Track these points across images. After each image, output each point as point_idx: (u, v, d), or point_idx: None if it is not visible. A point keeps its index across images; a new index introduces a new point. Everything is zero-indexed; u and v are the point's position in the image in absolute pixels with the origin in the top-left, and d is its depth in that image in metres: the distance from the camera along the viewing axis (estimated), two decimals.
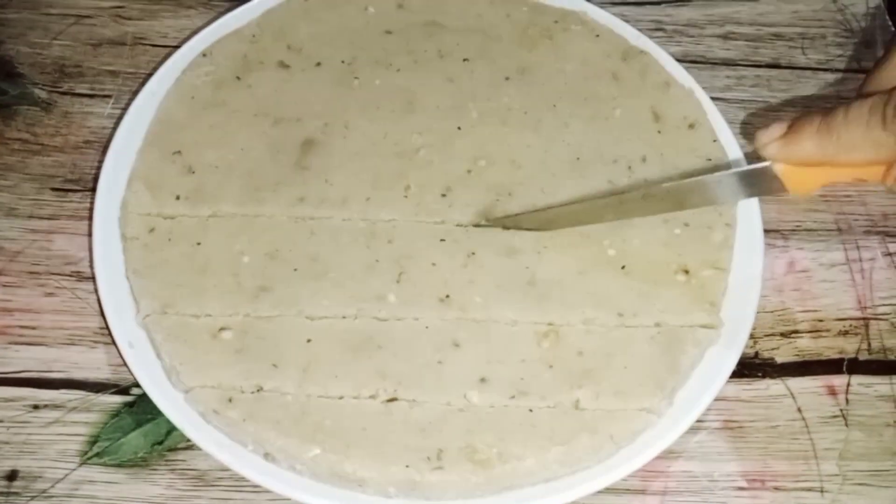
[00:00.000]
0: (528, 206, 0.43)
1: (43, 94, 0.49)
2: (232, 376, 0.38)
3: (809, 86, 0.52)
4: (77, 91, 0.50)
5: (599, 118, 0.46)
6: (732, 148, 0.46)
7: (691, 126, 0.46)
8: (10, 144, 0.48)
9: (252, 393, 0.38)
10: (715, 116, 0.47)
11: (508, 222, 0.42)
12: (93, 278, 0.41)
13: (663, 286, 0.41)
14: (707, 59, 0.53)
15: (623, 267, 0.42)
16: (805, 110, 0.32)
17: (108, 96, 0.50)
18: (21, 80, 0.50)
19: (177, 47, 0.48)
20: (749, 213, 0.44)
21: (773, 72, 0.53)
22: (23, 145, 0.48)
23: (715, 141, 0.46)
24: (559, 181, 0.44)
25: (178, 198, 0.42)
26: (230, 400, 0.37)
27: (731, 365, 0.40)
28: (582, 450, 0.37)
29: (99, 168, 0.44)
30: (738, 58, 0.53)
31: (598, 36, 0.49)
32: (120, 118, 0.46)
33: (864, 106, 0.30)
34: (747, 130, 0.50)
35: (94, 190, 0.43)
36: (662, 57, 0.48)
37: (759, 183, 0.35)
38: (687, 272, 0.42)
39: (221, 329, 0.39)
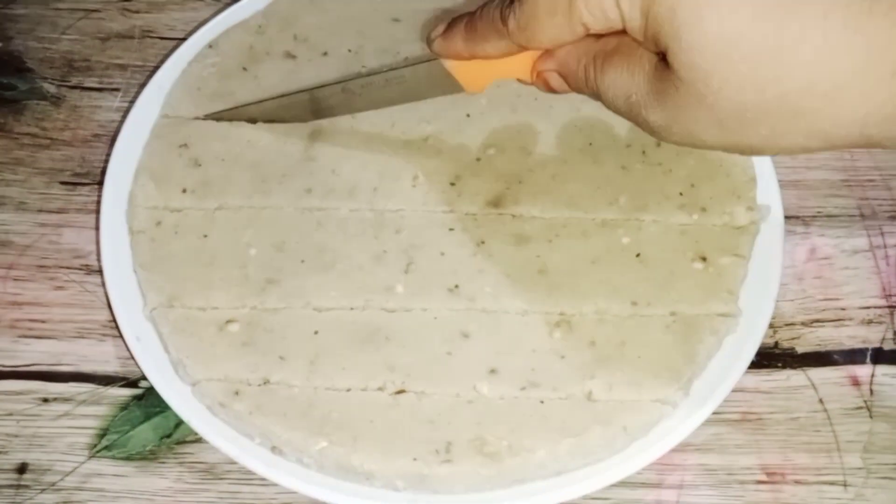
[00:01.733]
0: (538, 194, 0.42)
1: (52, 89, 0.49)
2: (239, 369, 0.38)
3: None
4: (86, 85, 0.50)
5: None
6: None
7: None
8: (19, 139, 0.48)
9: (259, 386, 0.37)
10: None
11: (225, 115, 0.44)
12: (101, 272, 0.41)
13: (679, 274, 0.40)
14: None
15: (637, 255, 0.40)
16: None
17: (117, 90, 0.50)
18: (30, 75, 0.50)
19: (184, 39, 0.48)
20: (769, 198, 0.43)
21: None
22: (32, 140, 0.48)
23: None
24: (571, 167, 0.43)
25: (184, 191, 0.42)
26: (237, 393, 0.37)
27: (750, 355, 0.39)
28: (594, 442, 0.36)
29: (107, 161, 0.44)
30: None
31: None
32: (127, 111, 0.45)
33: (493, 2, 0.34)
34: None
35: (102, 183, 0.43)
36: None
37: (439, 80, 0.38)
38: (704, 259, 0.40)
39: (228, 322, 0.39)
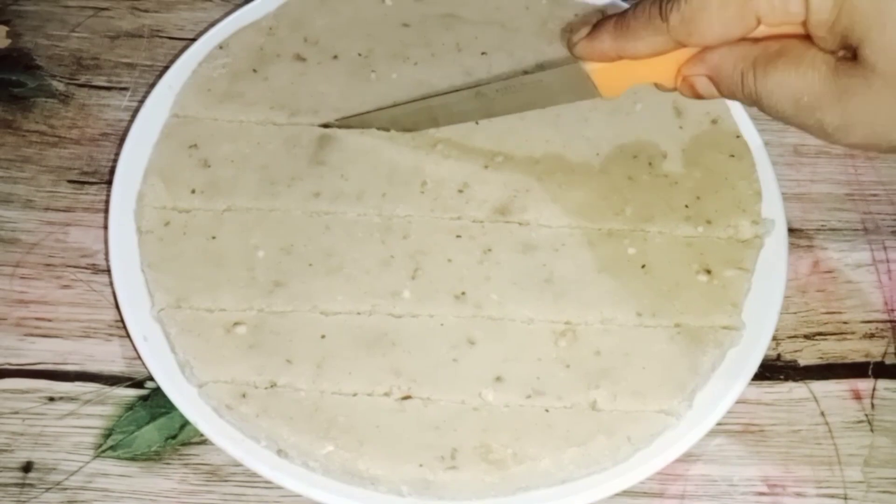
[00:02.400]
0: (545, 203, 0.42)
1: (60, 87, 0.49)
2: (245, 371, 0.38)
3: None
4: (94, 83, 0.50)
5: (620, 113, 0.45)
6: (756, 143, 0.45)
7: (714, 121, 0.45)
8: (27, 136, 0.48)
9: (265, 388, 0.37)
10: (738, 111, 0.46)
11: (354, 122, 0.44)
12: (108, 271, 0.41)
13: (684, 286, 0.40)
14: None
15: (643, 266, 0.41)
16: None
17: (125, 89, 0.50)
18: (39, 72, 0.50)
19: (194, 40, 0.48)
20: (774, 211, 0.43)
21: None
22: (40, 137, 0.48)
23: (738, 136, 0.45)
24: (578, 177, 0.43)
25: (193, 191, 0.42)
26: (243, 395, 0.37)
27: (753, 367, 0.39)
28: (598, 451, 0.36)
29: (115, 161, 0.44)
30: None
31: None
32: (136, 111, 0.45)
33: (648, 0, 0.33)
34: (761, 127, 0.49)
35: (110, 182, 0.43)
36: None
37: (575, 84, 0.37)
38: (709, 272, 0.41)
39: (235, 324, 0.39)
